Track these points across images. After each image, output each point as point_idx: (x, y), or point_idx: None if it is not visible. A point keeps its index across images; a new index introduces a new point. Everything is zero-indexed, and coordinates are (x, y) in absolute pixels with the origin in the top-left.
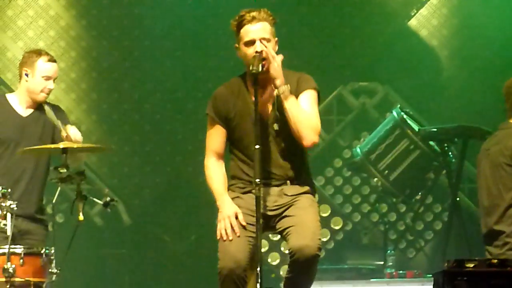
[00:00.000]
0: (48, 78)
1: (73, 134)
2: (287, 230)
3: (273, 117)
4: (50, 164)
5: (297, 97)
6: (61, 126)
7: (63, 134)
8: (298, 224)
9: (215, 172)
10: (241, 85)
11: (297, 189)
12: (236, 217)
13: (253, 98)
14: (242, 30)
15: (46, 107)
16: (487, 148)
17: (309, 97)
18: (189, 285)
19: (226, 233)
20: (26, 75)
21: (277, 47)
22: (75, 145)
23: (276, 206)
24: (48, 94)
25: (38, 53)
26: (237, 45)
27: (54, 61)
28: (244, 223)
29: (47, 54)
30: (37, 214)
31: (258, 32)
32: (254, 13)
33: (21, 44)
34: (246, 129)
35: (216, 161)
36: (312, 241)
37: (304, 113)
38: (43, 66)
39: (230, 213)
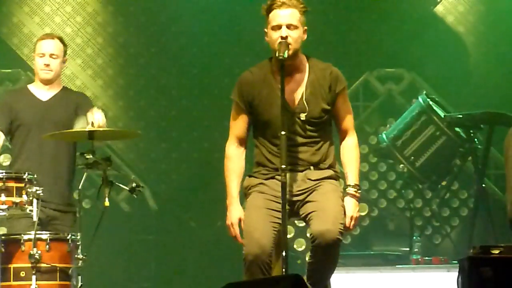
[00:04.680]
0: (42, 55)
1: (97, 119)
2: (309, 215)
3: (301, 107)
4: (76, 150)
5: (331, 92)
6: (87, 120)
7: (89, 124)
8: (320, 209)
9: (234, 165)
10: (268, 71)
11: (320, 173)
12: (240, 222)
13: (279, 85)
14: (270, 14)
15: (79, 122)
16: None
17: (346, 97)
18: (215, 271)
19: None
20: (33, 56)
21: (305, 36)
22: (101, 130)
23: (299, 191)
24: (47, 70)
25: (41, 37)
26: (265, 30)
27: (50, 37)
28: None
29: (45, 34)
30: (65, 200)
31: (286, 17)
32: None
33: (48, 30)
34: (272, 116)
35: (237, 148)
36: (334, 225)
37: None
38: (38, 46)
39: (234, 219)
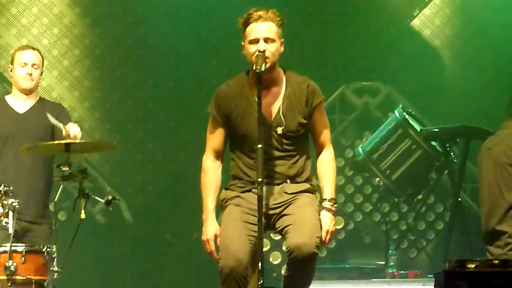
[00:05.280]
0: (24, 65)
1: (73, 132)
2: (286, 229)
3: (278, 121)
4: (53, 162)
5: (308, 106)
6: (61, 126)
7: (64, 133)
8: (296, 222)
9: (210, 179)
10: (245, 84)
11: (296, 187)
12: (216, 238)
13: (256, 98)
14: (248, 28)
15: (49, 115)
16: (489, 147)
17: (323, 111)
18: (190, 283)
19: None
20: (11, 70)
21: (282, 48)
22: (77, 142)
23: (276, 204)
24: (28, 79)
25: (20, 47)
26: (242, 43)
27: (31, 48)
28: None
29: (23, 46)
30: (41, 212)
31: (263, 31)
32: (261, 12)
33: (25, 41)
34: (248, 129)
35: (214, 162)
36: (310, 239)
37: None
38: (18, 56)
39: (209, 235)
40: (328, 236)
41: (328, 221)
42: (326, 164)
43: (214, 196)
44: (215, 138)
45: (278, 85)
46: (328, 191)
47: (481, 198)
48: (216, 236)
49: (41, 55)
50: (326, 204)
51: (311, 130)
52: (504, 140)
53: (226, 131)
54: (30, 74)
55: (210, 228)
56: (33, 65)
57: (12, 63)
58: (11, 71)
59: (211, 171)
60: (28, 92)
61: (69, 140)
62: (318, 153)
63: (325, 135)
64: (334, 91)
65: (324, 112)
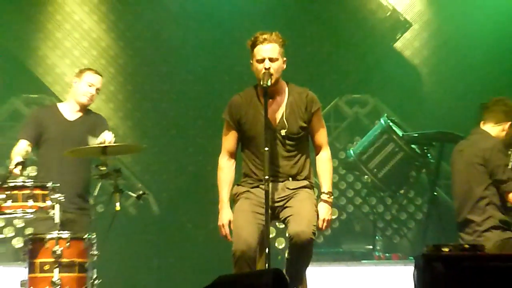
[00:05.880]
0: (91, 85)
1: (107, 139)
2: (287, 219)
3: (281, 124)
4: (91, 163)
5: (307, 112)
6: (99, 139)
7: (100, 140)
8: (296, 213)
9: (225, 176)
10: (253, 95)
11: (297, 183)
12: (230, 224)
13: (263, 107)
14: (255, 49)
15: (90, 139)
16: (461, 150)
17: (320, 117)
18: (208, 265)
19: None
20: (75, 82)
21: (285, 66)
22: (112, 145)
23: (279, 198)
24: (89, 98)
25: (87, 68)
26: (251, 61)
27: (99, 74)
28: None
29: (92, 70)
30: (82, 205)
31: (268, 51)
32: (266, 35)
33: (68, 61)
34: (256, 133)
35: (228, 161)
36: (308, 227)
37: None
38: (89, 76)
39: (224, 221)
40: (325, 224)
41: (325, 211)
42: (324, 163)
43: (228, 189)
44: (228, 140)
45: (282, 95)
46: (326, 185)
47: (454, 192)
48: (230, 222)
49: (102, 78)
50: (324, 196)
51: (310, 133)
52: (474, 144)
53: (238, 135)
54: (92, 95)
55: (225, 215)
56: (97, 89)
57: (79, 77)
58: (75, 82)
59: (226, 168)
60: (83, 107)
61: (105, 144)
62: (317, 153)
63: (323, 138)
64: (329, 103)
65: (321, 118)
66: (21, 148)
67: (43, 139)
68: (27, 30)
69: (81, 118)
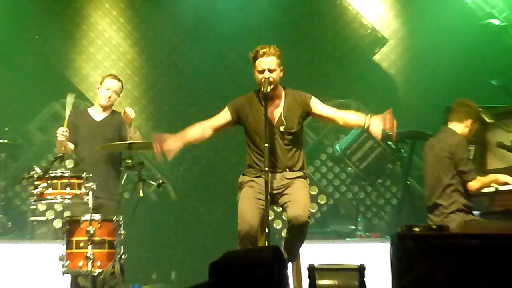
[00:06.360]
0: (108, 88)
1: (128, 111)
2: (285, 204)
3: (280, 122)
4: (120, 157)
5: (302, 106)
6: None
7: (128, 137)
8: (293, 200)
9: (192, 129)
10: (255, 99)
11: (293, 174)
12: (163, 145)
13: (263, 109)
14: (256, 62)
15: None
16: (431, 145)
17: (318, 101)
18: (216, 243)
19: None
20: (98, 88)
21: (282, 74)
22: (137, 142)
23: (278, 186)
24: (107, 100)
25: (106, 75)
26: (253, 71)
27: (117, 79)
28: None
29: (111, 75)
30: (111, 192)
31: (267, 63)
32: (265, 49)
33: (100, 71)
34: (259, 131)
35: (204, 126)
36: (304, 211)
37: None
38: (106, 81)
39: (166, 146)
40: (390, 122)
41: (378, 120)
42: (347, 113)
43: (186, 134)
44: (218, 119)
45: (280, 98)
46: (362, 115)
47: (425, 180)
48: (163, 142)
49: (121, 83)
50: (368, 117)
51: (322, 117)
52: (442, 140)
53: (230, 122)
54: (109, 97)
55: (170, 142)
56: (114, 91)
57: (100, 83)
58: (98, 88)
59: (198, 127)
60: (104, 108)
61: (131, 141)
62: (339, 120)
63: (332, 110)
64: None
65: (321, 102)
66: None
67: (78, 137)
68: (65, 45)
69: (107, 118)
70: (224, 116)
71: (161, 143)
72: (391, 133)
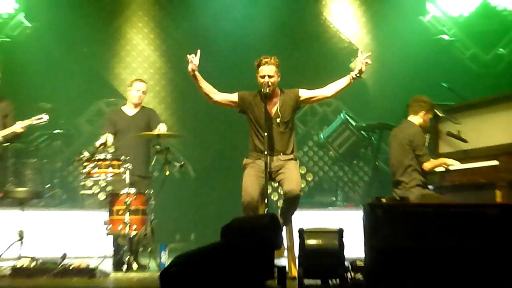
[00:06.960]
0: (138, 90)
1: (162, 129)
2: (281, 181)
3: (277, 115)
4: (150, 143)
5: (294, 99)
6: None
7: (156, 130)
8: (287, 177)
9: (209, 85)
10: (257, 96)
11: (286, 157)
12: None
13: (263, 104)
14: (259, 68)
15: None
16: (394, 134)
17: (306, 90)
18: (226, 211)
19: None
20: (129, 90)
21: (279, 79)
22: (164, 133)
23: (275, 166)
24: (138, 98)
25: (135, 79)
26: (257, 75)
27: (142, 81)
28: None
29: (139, 79)
30: (144, 171)
31: (267, 71)
32: (267, 59)
33: (134, 76)
34: (259, 121)
35: (215, 91)
36: (296, 186)
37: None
38: (135, 84)
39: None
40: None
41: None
42: (332, 84)
43: (206, 82)
44: (226, 94)
45: (276, 97)
46: (344, 78)
47: (391, 162)
48: (193, 70)
49: (146, 84)
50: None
51: (314, 98)
52: (403, 130)
53: (234, 103)
54: (140, 96)
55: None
56: (142, 92)
57: (130, 86)
58: (129, 90)
59: (211, 86)
60: (135, 105)
61: (159, 132)
62: (329, 92)
63: (319, 89)
64: (306, 105)
65: (308, 90)
66: (105, 137)
67: (116, 130)
68: (107, 56)
69: (138, 113)
70: (232, 96)
71: (192, 62)
72: (363, 124)
